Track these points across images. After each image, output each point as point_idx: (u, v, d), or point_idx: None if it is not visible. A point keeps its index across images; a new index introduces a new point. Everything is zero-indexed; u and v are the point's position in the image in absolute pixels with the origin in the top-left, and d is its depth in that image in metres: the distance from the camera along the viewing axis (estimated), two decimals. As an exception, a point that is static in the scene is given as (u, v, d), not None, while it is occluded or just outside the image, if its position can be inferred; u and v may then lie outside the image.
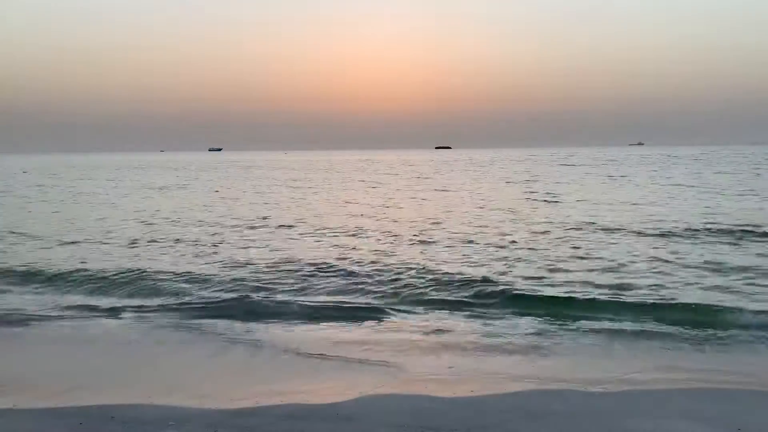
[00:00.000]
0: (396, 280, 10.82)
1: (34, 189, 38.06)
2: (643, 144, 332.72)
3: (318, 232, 17.05)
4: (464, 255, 13.03)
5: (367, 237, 16.11)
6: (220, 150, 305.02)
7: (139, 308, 9.27)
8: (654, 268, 11.33)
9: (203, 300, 9.73)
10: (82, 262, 12.65)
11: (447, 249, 13.89)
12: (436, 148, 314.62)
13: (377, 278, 10.97)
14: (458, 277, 10.76)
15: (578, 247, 13.57)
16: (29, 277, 11.55)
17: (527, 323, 8.29)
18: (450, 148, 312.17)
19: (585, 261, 12.09)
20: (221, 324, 8.41)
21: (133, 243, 15.53)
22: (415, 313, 8.96)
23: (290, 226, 18.35)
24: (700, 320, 8.14)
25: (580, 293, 9.55)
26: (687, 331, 7.77)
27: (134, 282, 10.95)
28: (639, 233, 15.41)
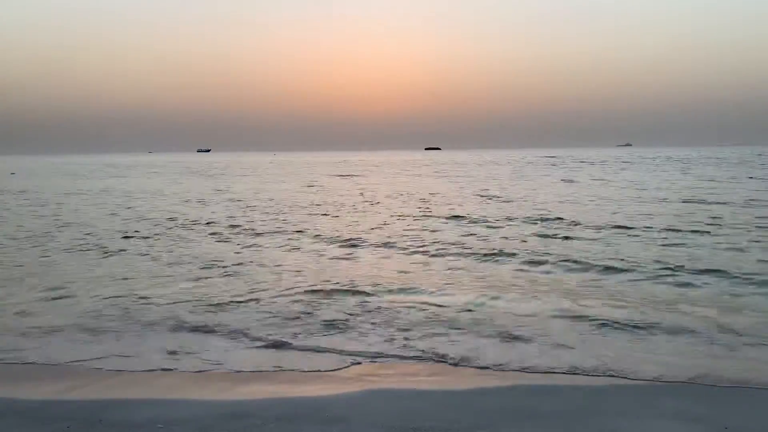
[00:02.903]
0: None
1: None
2: (631, 145, 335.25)
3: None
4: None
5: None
6: (208, 151, 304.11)
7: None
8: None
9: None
10: None
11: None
12: (426, 149, 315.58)
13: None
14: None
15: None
16: None
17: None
18: (440, 149, 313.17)
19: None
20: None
21: None
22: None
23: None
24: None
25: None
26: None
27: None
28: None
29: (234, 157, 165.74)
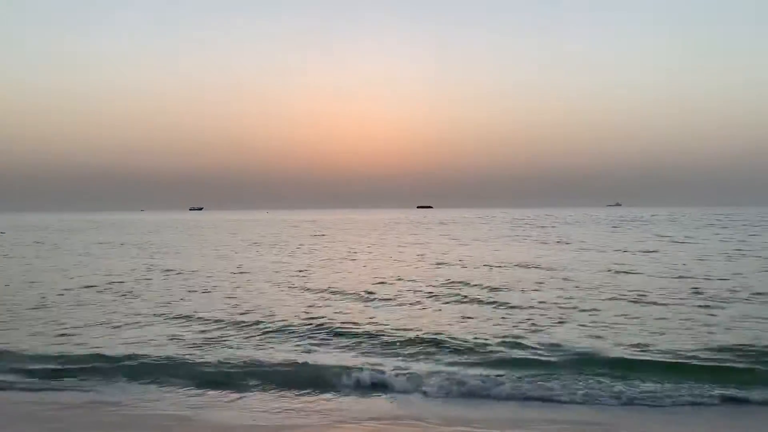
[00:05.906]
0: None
1: None
2: (620, 205, 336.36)
3: None
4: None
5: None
6: (201, 209, 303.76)
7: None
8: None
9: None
10: None
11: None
12: (418, 207, 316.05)
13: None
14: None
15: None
16: None
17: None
18: (431, 207, 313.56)
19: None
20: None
21: None
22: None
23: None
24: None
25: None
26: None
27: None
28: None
29: (224, 215, 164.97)
